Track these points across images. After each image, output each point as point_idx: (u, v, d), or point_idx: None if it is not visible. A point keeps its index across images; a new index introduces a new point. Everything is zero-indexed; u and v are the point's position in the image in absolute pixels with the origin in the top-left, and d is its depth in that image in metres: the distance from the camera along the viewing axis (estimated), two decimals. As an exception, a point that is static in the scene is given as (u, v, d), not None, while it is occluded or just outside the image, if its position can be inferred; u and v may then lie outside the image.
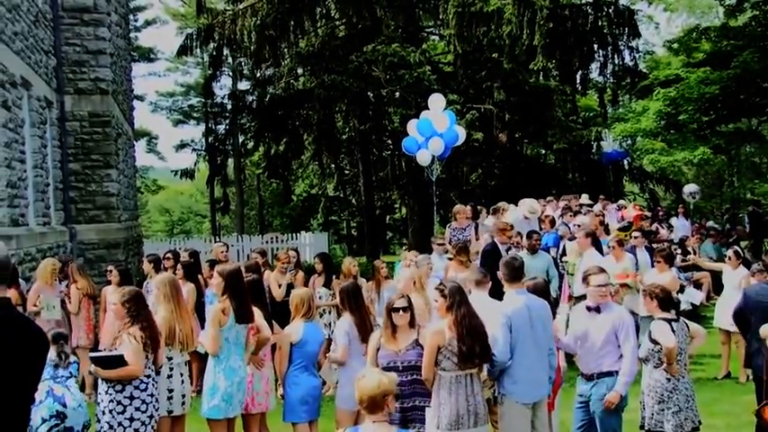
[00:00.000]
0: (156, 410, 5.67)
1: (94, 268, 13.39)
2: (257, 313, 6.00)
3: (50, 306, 8.34)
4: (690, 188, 18.65)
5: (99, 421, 5.56)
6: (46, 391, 5.22)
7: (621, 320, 5.65)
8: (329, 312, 9.40)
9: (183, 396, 5.95)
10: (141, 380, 5.52)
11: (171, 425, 5.96)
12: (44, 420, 5.44)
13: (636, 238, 10.66)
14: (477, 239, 11.41)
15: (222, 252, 10.29)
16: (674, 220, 16.65)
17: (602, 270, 5.92)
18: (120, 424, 5.44)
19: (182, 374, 5.96)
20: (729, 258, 9.85)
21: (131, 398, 5.47)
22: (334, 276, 9.71)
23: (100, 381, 5.63)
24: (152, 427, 5.60)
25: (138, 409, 5.48)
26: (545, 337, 5.38)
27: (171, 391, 5.87)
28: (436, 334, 5.08)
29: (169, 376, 5.87)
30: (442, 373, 5.02)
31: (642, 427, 5.85)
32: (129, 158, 19.20)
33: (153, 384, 5.63)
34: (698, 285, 12.93)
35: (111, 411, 5.46)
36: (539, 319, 5.34)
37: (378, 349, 5.29)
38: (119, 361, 5.42)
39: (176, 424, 6.02)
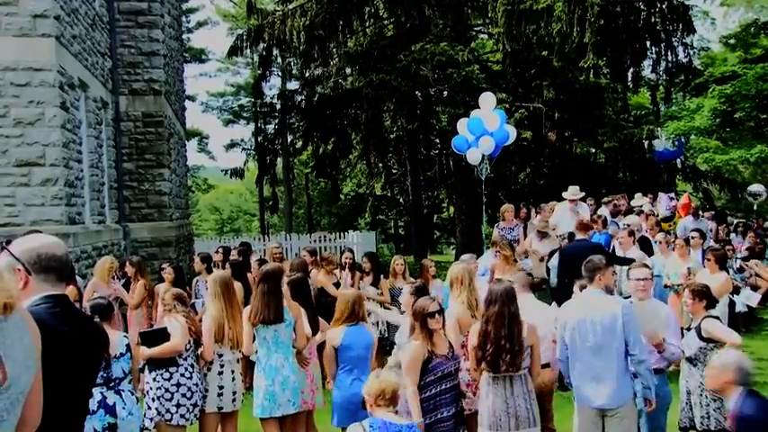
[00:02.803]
0: (200, 400, 5.88)
1: (147, 266, 13.65)
2: (300, 312, 6.04)
3: (105, 303, 8.52)
4: (755, 188, 17.97)
5: (149, 408, 5.79)
6: (98, 401, 5.17)
7: (666, 315, 5.57)
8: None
9: (234, 393, 6.00)
10: (186, 368, 5.80)
11: (221, 421, 6.04)
12: None
13: (693, 238, 10.42)
14: (524, 239, 11.34)
15: (276, 254, 10.18)
16: (733, 237, 15.97)
17: (645, 265, 5.85)
18: (167, 410, 5.73)
19: (233, 372, 6.02)
20: None
21: (178, 385, 5.76)
22: (381, 276, 9.72)
23: (147, 371, 5.87)
24: (195, 415, 5.83)
25: (184, 395, 5.76)
26: (611, 341, 5.02)
27: (221, 387, 5.94)
28: (474, 335, 5.09)
29: (220, 373, 5.95)
30: (484, 373, 5.02)
31: (687, 428, 5.73)
32: (180, 158, 19.55)
33: (197, 375, 5.87)
34: (754, 287, 12.57)
35: (159, 398, 5.75)
36: (601, 322, 5.04)
37: (430, 358, 5.00)
38: (164, 336, 5.72)
39: (228, 420, 6.09)
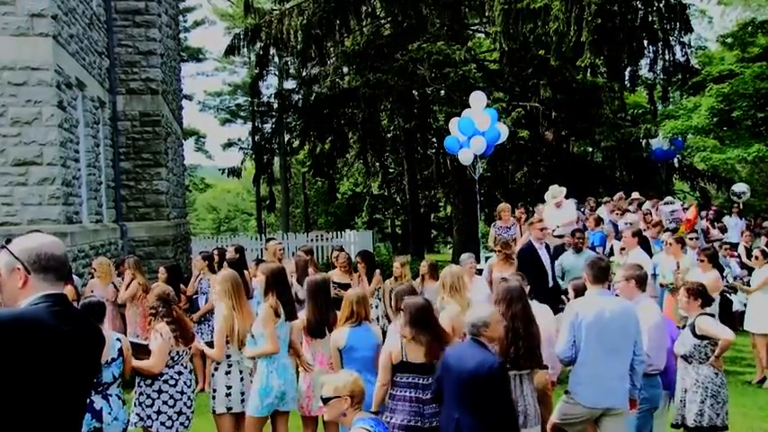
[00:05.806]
0: (189, 408, 5.80)
1: (145, 265, 13.61)
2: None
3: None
4: (738, 188, 18.12)
5: (134, 412, 5.75)
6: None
7: (645, 315, 5.48)
8: (375, 306, 9.35)
9: (243, 394, 5.89)
10: (171, 375, 5.71)
11: (235, 422, 5.93)
12: None
13: (691, 239, 10.42)
14: (521, 238, 11.37)
15: (279, 251, 10.07)
16: (726, 219, 16.21)
17: (638, 267, 5.83)
18: (148, 417, 5.66)
19: (241, 372, 5.92)
20: (756, 258, 9.59)
21: (159, 392, 5.68)
22: (377, 271, 9.72)
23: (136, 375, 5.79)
24: (181, 423, 5.73)
25: (165, 403, 5.66)
26: (624, 342, 5.06)
27: (229, 387, 5.85)
28: None
29: (227, 373, 5.87)
30: None
31: (680, 425, 5.75)
32: (177, 157, 19.53)
33: (185, 382, 5.79)
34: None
35: (141, 404, 5.70)
36: (618, 322, 5.04)
37: None
38: (145, 352, 5.64)
39: (242, 421, 5.96)
